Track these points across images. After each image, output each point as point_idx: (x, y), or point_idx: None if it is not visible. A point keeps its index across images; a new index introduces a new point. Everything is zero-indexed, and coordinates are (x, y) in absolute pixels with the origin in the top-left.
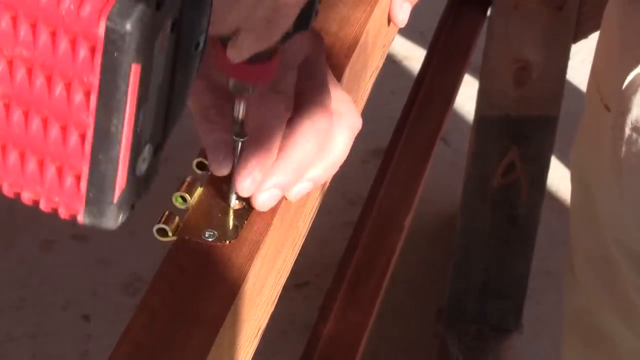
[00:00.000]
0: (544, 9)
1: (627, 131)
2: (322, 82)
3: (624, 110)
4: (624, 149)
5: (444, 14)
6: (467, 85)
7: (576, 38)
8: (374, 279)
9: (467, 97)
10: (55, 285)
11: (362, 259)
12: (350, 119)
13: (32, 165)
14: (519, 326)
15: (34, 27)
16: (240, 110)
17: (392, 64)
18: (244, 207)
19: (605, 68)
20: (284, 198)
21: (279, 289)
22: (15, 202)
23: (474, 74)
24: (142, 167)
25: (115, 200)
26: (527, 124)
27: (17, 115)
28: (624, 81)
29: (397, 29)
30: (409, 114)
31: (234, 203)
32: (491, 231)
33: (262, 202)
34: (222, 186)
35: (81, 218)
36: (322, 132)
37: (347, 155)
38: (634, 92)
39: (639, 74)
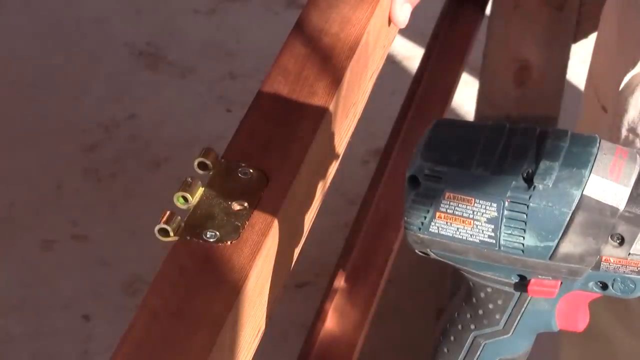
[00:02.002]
0: (544, 9)
1: (624, 132)
2: None
3: (621, 111)
4: None
5: (441, 13)
6: (467, 85)
7: (576, 38)
8: (371, 278)
9: (467, 97)
10: (55, 285)
11: (359, 259)
12: None
13: None
14: None
15: None
16: None
17: (392, 64)
18: (245, 207)
19: (603, 69)
20: (285, 198)
21: (279, 289)
22: (15, 202)
23: (474, 74)
24: None
25: None
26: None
27: None
28: (621, 82)
29: (398, 29)
30: (406, 113)
31: (242, 206)
32: None
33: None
34: (225, 186)
35: None
36: None
37: None
38: (631, 94)
39: (636, 76)
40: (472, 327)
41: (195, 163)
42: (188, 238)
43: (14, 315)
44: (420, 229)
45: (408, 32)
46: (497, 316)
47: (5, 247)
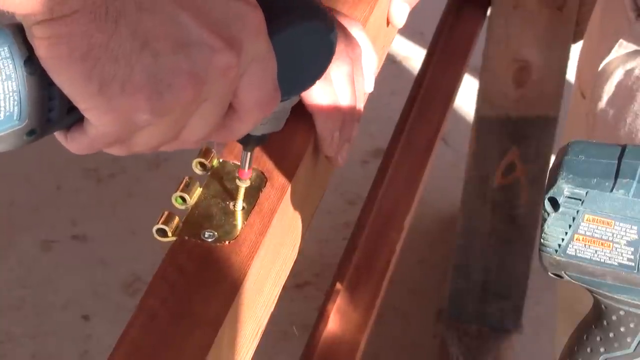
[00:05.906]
0: (544, 9)
1: (597, 118)
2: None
3: (596, 97)
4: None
5: (443, 14)
6: (467, 85)
7: (576, 38)
8: (374, 279)
9: (467, 97)
10: (55, 285)
11: (362, 260)
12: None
13: None
14: (518, 326)
15: None
16: (246, 160)
17: (392, 64)
18: (243, 207)
19: (585, 57)
20: (283, 198)
21: (278, 289)
22: (15, 202)
23: (474, 74)
24: None
25: None
26: (527, 124)
27: None
28: (598, 68)
29: (397, 29)
30: (408, 114)
31: (240, 206)
32: (491, 231)
33: (343, 160)
34: (223, 186)
35: None
36: (350, 76)
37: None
38: (605, 81)
39: (609, 63)
40: (602, 350)
41: (194, 163)
42: (186, 238)
43: (14, 315)
44: (557, 251)
45: (407, 32)
46: (629, 339)
47: (5, 247)
